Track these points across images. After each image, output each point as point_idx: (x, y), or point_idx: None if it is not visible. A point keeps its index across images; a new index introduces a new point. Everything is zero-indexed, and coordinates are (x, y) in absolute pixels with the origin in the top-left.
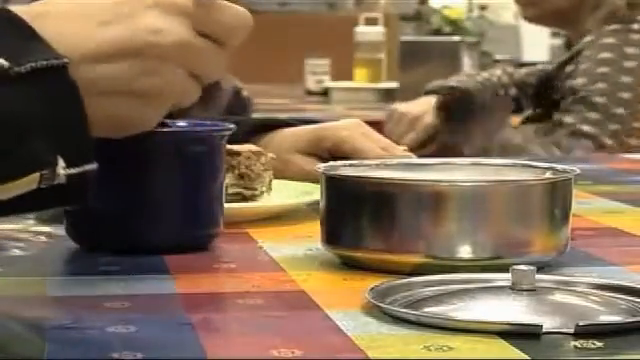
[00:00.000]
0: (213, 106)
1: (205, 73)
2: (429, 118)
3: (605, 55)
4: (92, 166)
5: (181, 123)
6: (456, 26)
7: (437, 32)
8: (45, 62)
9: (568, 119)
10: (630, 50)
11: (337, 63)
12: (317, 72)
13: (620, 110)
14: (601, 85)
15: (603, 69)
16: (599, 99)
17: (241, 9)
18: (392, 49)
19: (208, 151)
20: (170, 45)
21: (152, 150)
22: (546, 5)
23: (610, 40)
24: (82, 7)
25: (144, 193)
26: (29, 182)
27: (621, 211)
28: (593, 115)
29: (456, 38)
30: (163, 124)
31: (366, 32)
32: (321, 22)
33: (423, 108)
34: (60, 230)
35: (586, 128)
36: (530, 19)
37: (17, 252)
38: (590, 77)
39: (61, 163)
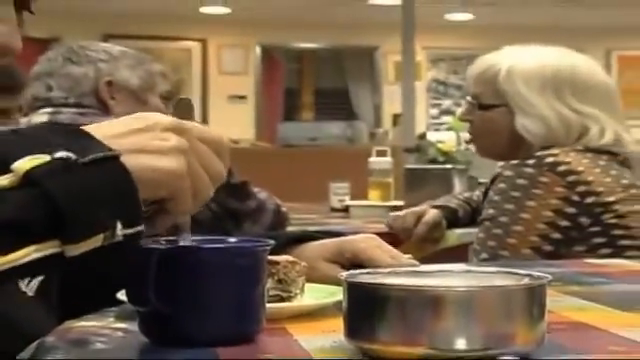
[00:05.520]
0: (260, 222)
1: (205, 161)
2: (430, 216)
3: (501, 185)
4: (141, 228)
5: (232, 239)
6: (448, 156)
7: (433, 161)
8: (102, 154)
9: (475, 241)
10: (520, 181)
11: (355, 186)
12: (339, 193)
13: (498, 231)
14: (490, 211)
15: (496, 197)
16: (487, 223)
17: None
18: (398, 175)
19: (254, 263)
20: (171, 121)
21: (209, 263)
22: (488, 144)
23: (508, 172)
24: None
25: (203, 297)
26: (95, 241)
27: (586, 308)
28: (480, 235)
29: (448, 166)
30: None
31: (378, 161)
32: (342, 153)
33: (422, 208)
34: (134, 326)
35: (475, 246)
36: (479, 154)
37: (100, 346)
38: (488, 203)
39: (119, 226)
